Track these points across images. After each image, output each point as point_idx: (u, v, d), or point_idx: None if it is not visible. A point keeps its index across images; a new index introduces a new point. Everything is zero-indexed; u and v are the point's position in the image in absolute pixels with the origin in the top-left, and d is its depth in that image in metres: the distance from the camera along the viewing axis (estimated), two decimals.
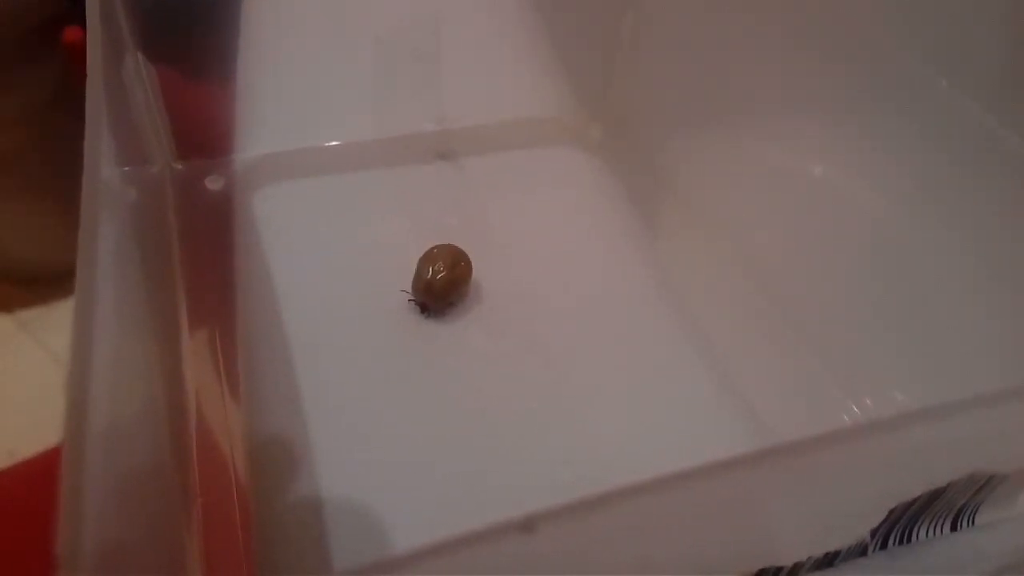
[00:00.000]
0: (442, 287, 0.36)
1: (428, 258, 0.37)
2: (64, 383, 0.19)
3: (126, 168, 0.36)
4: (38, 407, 0.84)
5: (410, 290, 0.37)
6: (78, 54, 0.78)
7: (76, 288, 0.22)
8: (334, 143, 0.45)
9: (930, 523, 0.23)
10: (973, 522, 0.24)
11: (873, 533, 0.22)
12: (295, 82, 0.45)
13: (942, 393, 0.36)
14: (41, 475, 0.72)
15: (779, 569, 0.22)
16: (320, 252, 0.40)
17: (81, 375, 0.20)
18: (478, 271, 0.38)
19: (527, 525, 0.17)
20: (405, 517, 0.30)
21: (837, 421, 0.38)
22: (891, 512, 0.22)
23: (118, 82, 0.36)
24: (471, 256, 0.37)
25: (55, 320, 0.92)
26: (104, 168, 0.27)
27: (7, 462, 0.74)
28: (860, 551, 0.23)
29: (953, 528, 0.24)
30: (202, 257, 0.40)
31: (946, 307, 0.41)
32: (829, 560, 0.22)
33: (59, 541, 0.17)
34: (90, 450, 0.19)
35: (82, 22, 0.79)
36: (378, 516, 0.30)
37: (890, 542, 0.23)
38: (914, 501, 0.22)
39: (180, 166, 0.43)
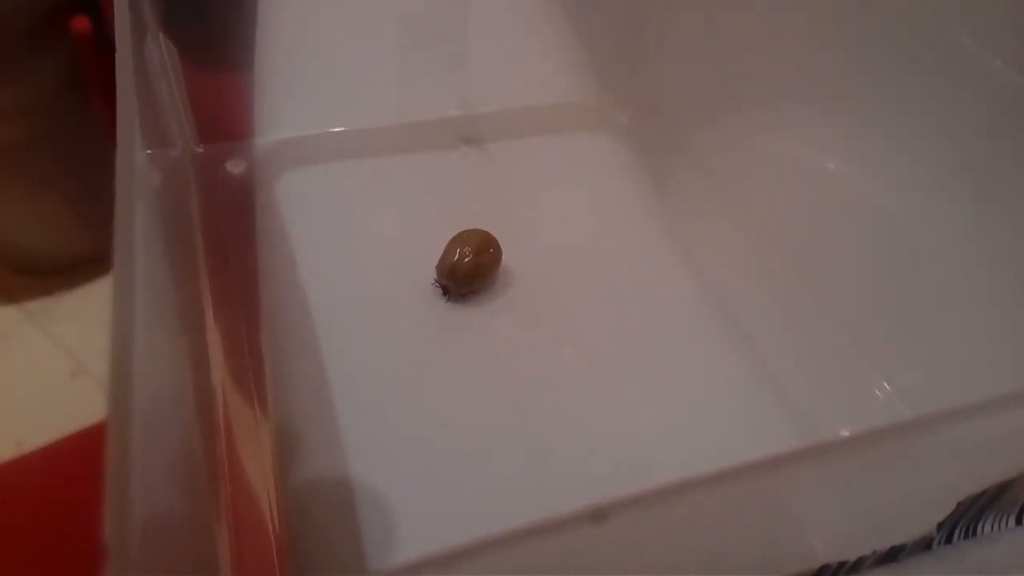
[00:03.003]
0: (466, 272, 0.36)
1: (458, 240, 0.36)
2: (107, 369, 0.19)
3: (148, 151, 0.36)
4: (44, 398, 0.84)
5: (435, 271, 0.36)
6: (86, 44, 0.78)
7: (114, 270, 0.21)
8: (357, 127, 0.44)
9: (995, 517, 0.22)
10: None
11: (939, 527, 0.22)
12: (317, 65, 0.44)
13: (966, 374, 0.36)
14: (48, 465, 0.72)
15: (842, 563, 0.21)
16: (343, 237, 0.39)
17: (122, 360, 0.19)
18: (505, 257, 0.37)
19: (597, 516, 0.16)
20: (436, 506, 0.29)
21: (867, 398, 0.38)
22: (959, 505, 0.21)
23: (140, 63, 0.36)
24: (498, 241, 0.37)
25: (62, 311, 0.91)
26: (137, 150, 0.26)
27: (14, 452, 0.73)
28: (925, 545, 0.22)
29: (1018, 522, 0.23)
30: (225, 242, 0.39)
31: (965, 294, 0.40)
32: (893, 554, 0.22)
33: (107, 529, 0.16)
34: (135, 436, 0.18)
35: (89, 12, 0.78)
36: (409, 505, 0.29)
37: (955, 536, 0.22)
38: (982, 494, 0.21)
39: (201, 149, 0.42)
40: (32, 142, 0.81)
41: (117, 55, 0.28)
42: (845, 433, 0.35)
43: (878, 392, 0.38)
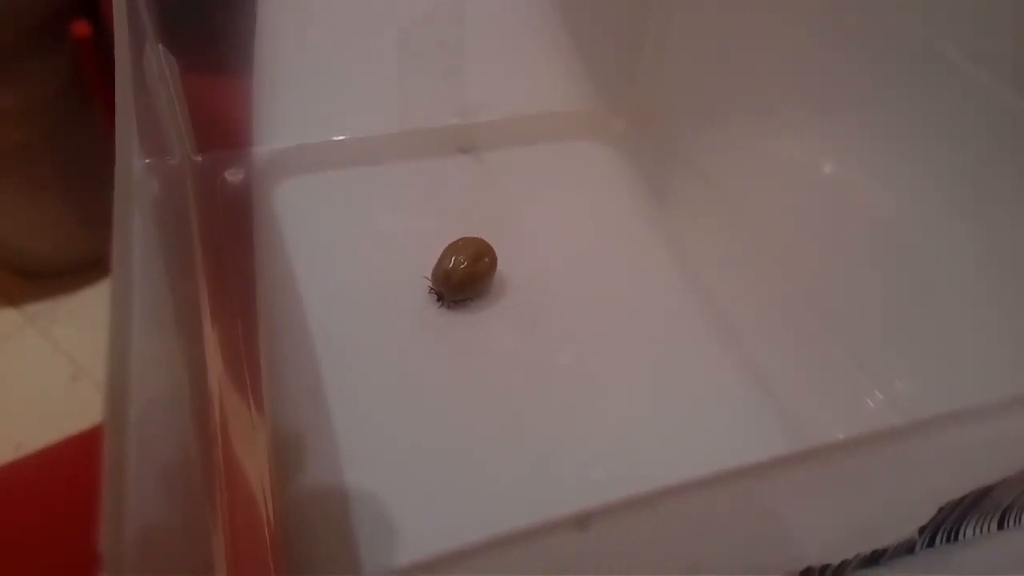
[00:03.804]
0: (459, 279, 0.36)
1: (453, 248, 0.37)
2: (104, 376, 0.19)
3: (147, 160, 0.36)
4: (45, 401, 0.84)
5: (430, 278, 0.37)
6: (86, 48, 0.78)
7: (112, 279, 0.21)
8: (355, 136, 0.44)
9: (977, 521, 0.23)
10: (1020, 521, 0.24)
11: (921, 531, 0.22)
12: (315, 74, 0.44)
13: (959, 382, 0.36)
14: (48, 468, 0.72)
15: (825, 567, 0.21)
16: (340, 245, 0.39)
17: (119, 367, 0.20)
18: (502, 264, 0.37)
19: (580, 522, 0.16)
20: (433, 513, 0.30)
21: (860, 406, 0.38)
22: (940, 510, 0.21)
23: (139, 72, 0.36)
24: (494, 249, 0.37)
25: (62, 314, 0.92)
26: (136, 159, 0.26)
27: (14, 455, 0.74)
28: (908, 549, 0.22)
29: (1000, 526, 0.23)
30: (223, 250, 0.40)
31: (961, 301, 0.41)
32: (876, 558, 0.22)
33: (102, 537, 0.17)
34: (131, 443, 0.18)
35: (89, 16, 0.78)
36: (405, 511, 0.29)
37: (938, 540, 0.23)
38: (963, 499, 0.21)
39: (199, 158, 0.42)
40: (33, 144, 0.81)
41: (116, 64, 0.28)
42: (839, 438, 0.36)
43: (870, 401, 0.38)
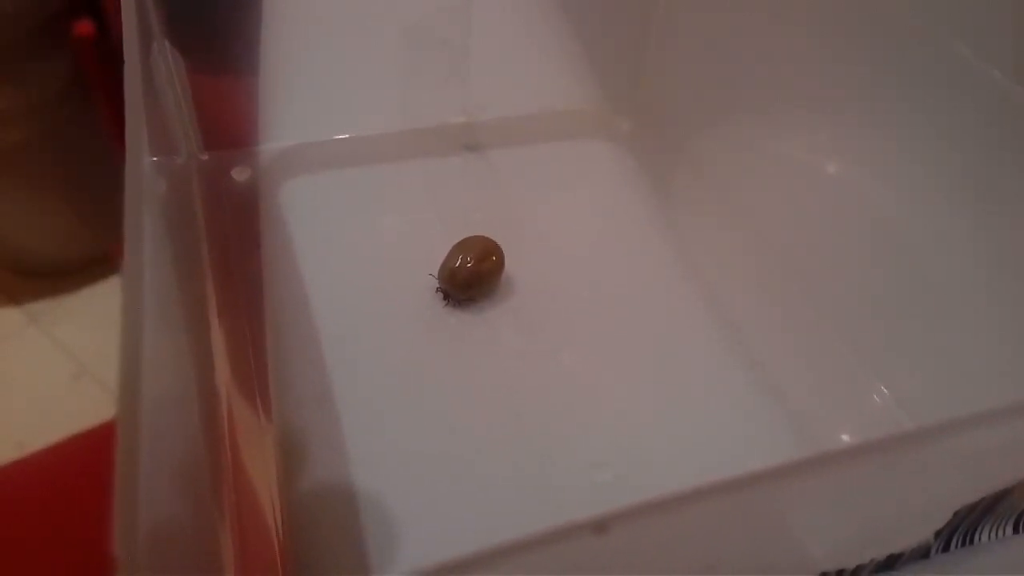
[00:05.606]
0: (465, 278, 0.36)
1: (460, 247, 0.37)
2: (116, 374, 0.19)
3: (153, 159, 0.36)
4: (47, 399, 0.84)
5: (436, 276, 0.37)
6: (87, 48, 0.78)
7: (123, 278, 0.21)
8: (361, 134, 0.44)
9: (993, 525, 0.23)
10: None
11: (937, 535, 0.22)
12: (321, 72, 0.44)
13: (962, 380, 0.36)
14: (49, 467, 0.72)
15: (840, 571, 0.21)
16: (347, 244, 0.39)
17: (132, 364, 0.19)
18: (508, 264, 0.37)
19: (598, 527, 0.16)
20: (439, 513, 0.29)
21: (865, 403, 0.38)
22: (956, 514, 0.21)
23: (147, 71, 0.36)
24: (501, 249, 0.37)
25: (65, 313, 0.92)
26: (143, 158, 0.26)
27: (17, 454, 0.74)
28: (923, 553, 0.22)
29: (1015, 530, 0.23)
30: (229, 248, 0.40)
31: (963, 299, 0.41)
32: (891, 562, 0.22)
33: (115, 535, 0.17)
34: (143, 445, 0.18)
35: (91, 16, 0.78)
36: (411, 512, 0.29)
37: (953, 544, 0.23)
38: (979, 503, 0.21)
39: (206, 157, 0.42)
40: (35, 144, 0.82)
41: (125, 63, 0.28)
42: (844, 438, 0.36)
43: (876, 397, 0.38)
